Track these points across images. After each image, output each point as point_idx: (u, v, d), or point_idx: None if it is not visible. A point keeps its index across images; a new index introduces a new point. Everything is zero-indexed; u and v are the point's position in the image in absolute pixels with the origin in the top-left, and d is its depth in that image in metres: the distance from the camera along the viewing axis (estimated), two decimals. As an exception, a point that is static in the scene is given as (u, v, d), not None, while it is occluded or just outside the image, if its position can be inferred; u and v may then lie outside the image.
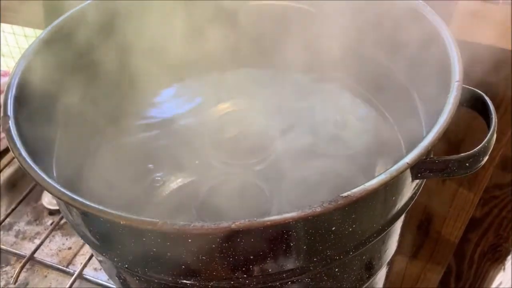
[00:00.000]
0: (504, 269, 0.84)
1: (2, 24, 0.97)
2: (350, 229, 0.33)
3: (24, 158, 0.34)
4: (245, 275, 0.34)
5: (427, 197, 0.74)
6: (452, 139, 0.66)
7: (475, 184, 0.69)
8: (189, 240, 0.31)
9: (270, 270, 0.34)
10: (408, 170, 0.33)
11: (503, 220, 0.75)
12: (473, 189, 0.70)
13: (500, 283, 0.87)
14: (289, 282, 0.36)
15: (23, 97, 0.41)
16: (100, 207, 0.30)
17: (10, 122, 0.37)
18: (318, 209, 0.28)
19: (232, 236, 0.30)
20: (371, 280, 0.45)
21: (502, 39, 0.56)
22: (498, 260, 0.82)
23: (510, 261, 0.82)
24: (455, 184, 0.71)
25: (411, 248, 0.84)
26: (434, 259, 0.83)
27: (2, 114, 0.38)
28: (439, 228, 0.78)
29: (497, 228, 0.76)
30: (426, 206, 0.76)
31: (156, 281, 0.37)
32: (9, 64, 1.09)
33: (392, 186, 0.34)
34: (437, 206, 0.75)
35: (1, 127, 0.38)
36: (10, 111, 0.38)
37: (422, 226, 0.79)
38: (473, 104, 0.40)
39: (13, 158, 0.78)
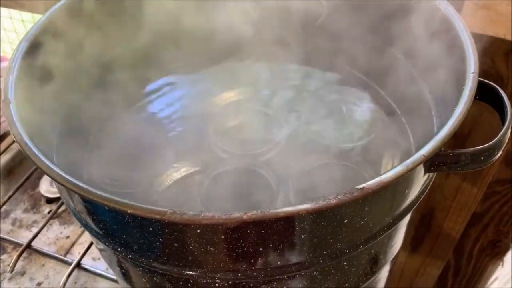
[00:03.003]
0: (502, 265, 0.84)
1: (-1, 8, 0.95)
2: (362, 222, 0.33)
3: (26, 143, 0.33)
4: (252, 268, 0.33)
5: (430, 191, 0.73)
6: (458, 133, 0.65)
7: (479, 179, 0.69)
8: (198, 231, 0.30)
9: (278, 263, 0.33)
10: (423, 163, 0.32)
11: (504, 216, 0.75)
12: (477, 184, 0.69)
13: (496, 278, 0.88)
14: (297, 275, 0.35)
15: (24, 81, 0.40)
16: (106, 195, 0.29)
17: (11, 106, 0.36)
18: (333, 201, 0.28)
19: (243, 227, 0.29)
20: (376, 275, 0.45)
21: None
22: (497, 256, 0.82)
23: (508, 257, 0.82)
24: (458, 178, 0.70)
25: (411, 242, 0.83)
26: (434, 254, 0.83)
27: (2, 98, 0.37)
28: (441, 222, 0.77)
29: (498, 224, 0.76)
30: (428, 200, 0.75)
31: (160, 272, 0.36)
32: (6, 49, 1.07)
33: (406, 179, 0.33)
34: (440, 200, 0.74)
35: (1, 111, 0.37)
36: (11, 95, 0.37)
37: (424, 220, 0.78)
38: (486, 97, 0.39)
39: (10, 144, 0.76)
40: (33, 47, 0.43)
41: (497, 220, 0.76)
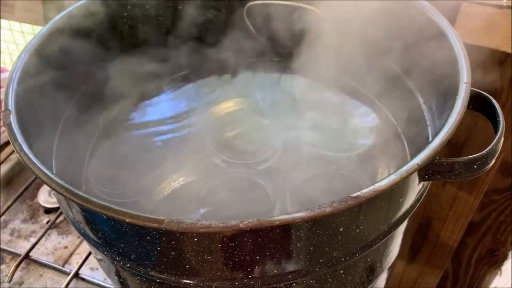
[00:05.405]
0: (500, 273, 0.84)
1: (-1, 20, 0.96)
2: (358, 230, 0.33)
3: (25, 153, 0.34)
4: (249, 276, 0.33)
5: (427, 200, 0.74)
6: (453, 142, 0.66)
7: (475, 188, 0.69)
8: (195, 239, 0.30)
9: (275, 271, 0.33)
10: (417, 172, 0.32)
11: (501, 225, 0.75)
12: (473, 193, 0.70)
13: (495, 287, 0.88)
14: (294, 284, 0.35)
15: (24, 92, 0.41)
16: (105, 204, 0.29)
17: (11, 116, 0.37)
18: (328, 209, 0.28)
19: (239, 235, 0.30)
20: (373, 283, 0.45)
21: (504, 42, 0.56)
22: (495, 265, 0.82)
23: (506, 266, 0.82)
24: (455, 187, 0.71)
25: (409, 252, 0.84)
26: (432, 263, 0.83)
27: (3, 108, 0.37)
28: (438, 231, 0.77)
29: (495, 233, 0.76)
30: (425, 209, 0.76)
31: (158, 281, 0.36)
32: (6, 60, 1.08)
33: (400, 187, 0.33)
34: (436, 209, 0.74)
35: (2, 122, 0.37)
36: (11, 105, 0.38)
37: (421, 229, 0.79)
38: (479, 107, 0.40)
39: (8, 155, 0.77)
40: (34, 59, 0.44)
41: (495, 229, 0.76)
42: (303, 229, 0.30)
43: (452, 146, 0.66)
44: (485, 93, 0.39)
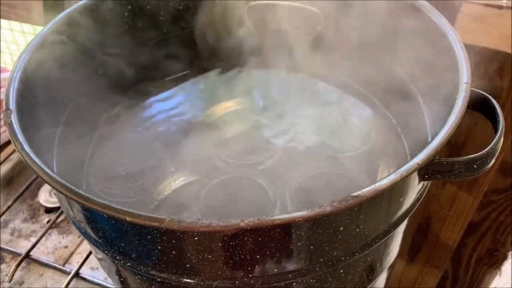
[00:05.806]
0: (500, 274, 0.84)
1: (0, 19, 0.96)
2: (358, 230, 0.33)
3: (26, 152, 0.34)
4: (249, 275, 0.34)
5: (427, 200, 0.74)
6: (453, 142, 0.66)
7: (475, 188, 0.69)
8: (196, 238, 0.30)
9: (275, 270, 0.34)
10: (417, 171, 0.32)
11: (501, 225, 0.75)
12: (473, 193, 0.70)
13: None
14: (294, 283, 0.36)
15: (25, 91, 0.41)
16: (105, 203, 0.29)
17: (12, 116, 0.37)
18: (328, 209, 0.28)
19: (240, 234, 0.30)
20: (373, 283, 0.45)
21: (504, 42, 0.56)
22: (494, 265, 0.82)
23: (506, 266, 0.82)
24: (455, 187, 0.71)
25: (409, 252, 0.84)
26: (432, 263, 0.83)
27: (4, 108, 0.38)
28: (438, 231, 0.77)
29: (495, 233, 0.76)
30: (425, 209, 0.76)
31: (158, 280, 0.36)
32: (6, 60, 1.08)
33: (400, 186, 0.33)
34: (436, 209, 0.75)
35: (3, 121, 0.37)
36: (12, 105, 0.38)
37: (421, 229, 0.79)
38: (479, 107, 0.40)
39: (9, 155, 0.77)
40: (35, 58, 0.44)
41: (494, 229, 0.76)
42: (303, 228, 0.31)
43: (452, 146, 0.66)
44: (485, 93, 0.40)
